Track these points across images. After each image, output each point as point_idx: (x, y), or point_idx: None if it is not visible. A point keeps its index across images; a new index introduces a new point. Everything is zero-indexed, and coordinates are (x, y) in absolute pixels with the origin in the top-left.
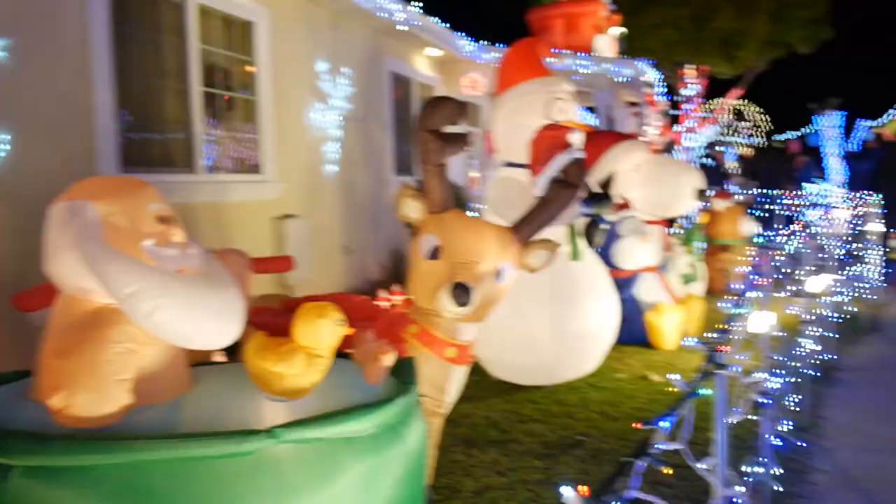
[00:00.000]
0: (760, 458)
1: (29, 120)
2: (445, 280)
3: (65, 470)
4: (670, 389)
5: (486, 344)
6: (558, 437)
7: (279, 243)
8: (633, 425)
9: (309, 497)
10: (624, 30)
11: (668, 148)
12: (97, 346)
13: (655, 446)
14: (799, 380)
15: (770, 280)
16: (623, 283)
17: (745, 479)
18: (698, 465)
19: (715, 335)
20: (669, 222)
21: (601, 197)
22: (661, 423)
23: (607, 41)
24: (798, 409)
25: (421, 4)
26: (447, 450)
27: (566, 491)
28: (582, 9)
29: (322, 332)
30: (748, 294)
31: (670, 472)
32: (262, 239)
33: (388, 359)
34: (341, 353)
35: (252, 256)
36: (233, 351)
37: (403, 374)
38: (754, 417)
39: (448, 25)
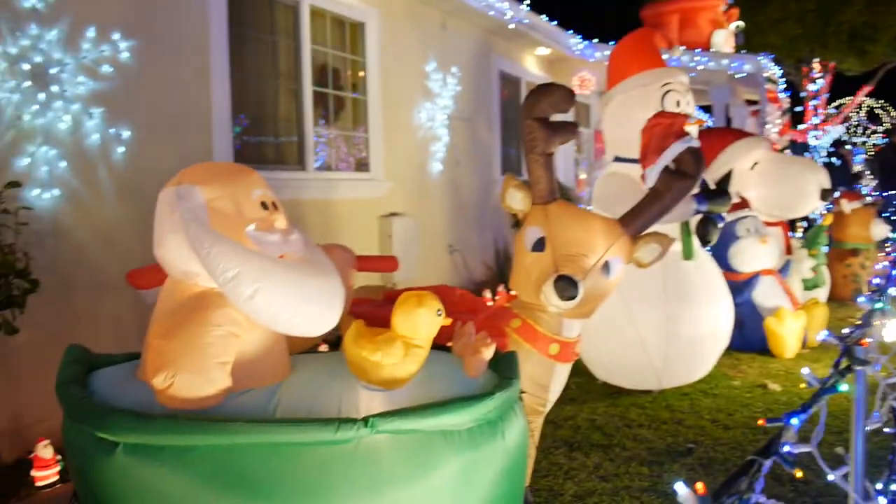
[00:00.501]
0: None
1: (151, 119)
2: (550, 272)
3: (164, 449)
4: (798, 393)
5: (591, 344)
6: (666, 443)
7: (385, 241)
8: (759, 422)
9: (404, 489)
10: (741, 24)
11: (792, 147)
12: (199, 328)
13: (783, 446)
14: None
15: None
16: (740, 286)
17: (882, 495)
18: (831, 472)
19: (850, 331)
20: (791, 224)
21: (717, 193)
22: (791, 421)
23: (725, 36)
24: None
25: (529, 2)
26: (548, 452)
27: (681, 488)
28: (698, 3)
29: (420, 321)
30: (890, 291)
31: (800, 474)
32: (368, 236)
33: (488, 352)
34: (442, 346)
35: (357, 254)
36: (337, 344)
37: (504, 368)
38: (890, 430)
39: (557, 23)
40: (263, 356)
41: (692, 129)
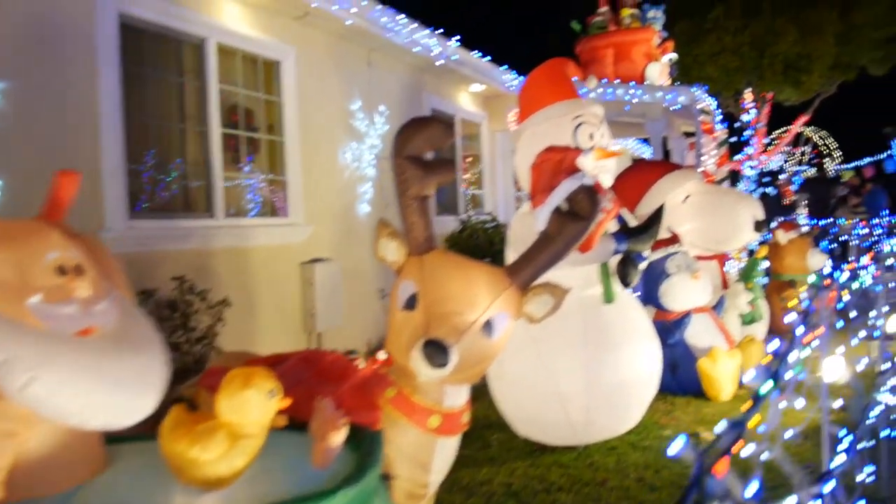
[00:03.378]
0: None
1: (28, 168)
2: (420, 335)
3: None
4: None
5: (507, 398)
6: None
7: (307, 289)
8: None
9: None
10: (675, 56)
11: (729, 178)
12: None
13: None
14: (875, 443)
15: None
16: (672, 325)
17: None
18: None
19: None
20: (724, 257)
21: (637, 231)
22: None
23: (659, 69)
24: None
25: (459, 39)
26: None
27: None
28: (633, 37)
29: (249, 405)
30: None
31: None
32: (288, 284)
33: (337, 437)
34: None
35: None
36: None
37: (365, 452)
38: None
39: (490, 59)
40: (57, 455)
41: (610, 162)
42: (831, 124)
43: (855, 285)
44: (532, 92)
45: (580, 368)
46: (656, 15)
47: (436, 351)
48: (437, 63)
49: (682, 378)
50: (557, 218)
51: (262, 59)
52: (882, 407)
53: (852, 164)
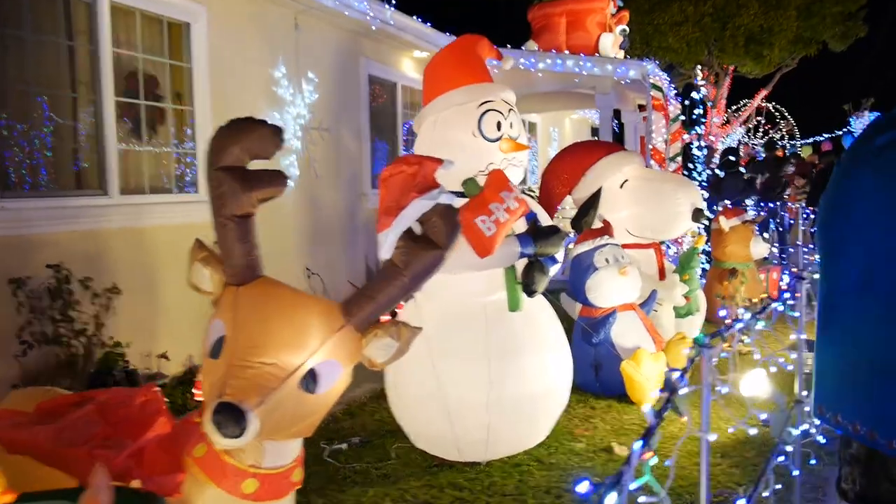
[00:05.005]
0: None
1: None
2: (216, 394)
3: None
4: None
5: (403, 412)
6: None
7: None
8: None
9: None
10: (626, 28)
11: (681, 154)
12: None
13: None
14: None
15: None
16: (598, 323)
17: None
18: None
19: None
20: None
21: (546, 233)
22: None
23: (613, 40)
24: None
25: (395, 3)
26: None
27: None
28: (587, 5)
29: None
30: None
31: None
32: None
33: None
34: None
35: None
36: None
37: None
38: None
39: (431, 25)
40: None
41: (521, 155)
42: (791, 100)
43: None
44: (437, 73)
45: (481, 381)
46: None
47: (227, 418)
48: (373, 28)
49: (604, 379)
50: (406, 245)
51: (168, 20)
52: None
53: (810, 140)
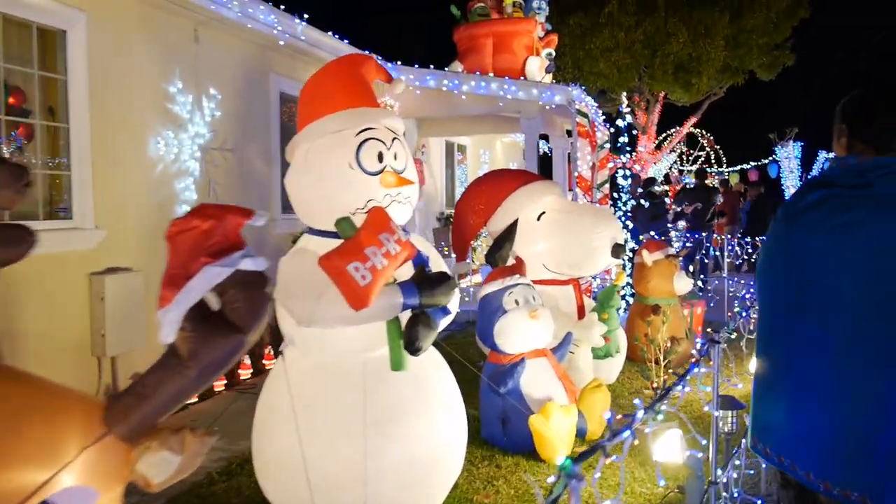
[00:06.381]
0: None
1: None
2: None
3: None
4: None
5: (271, 487)
6: None
7: (96, 305)
8: None
9: None
10: (552, 51)
11: (608, 182)
12: None
13: None
14: None
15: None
16: (505, 372)
17: None
18: None
19: None
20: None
21: (433, 281)
22: None
23: (539, 63)
24: None
25: (306, 18)
26: None
27: None
28: (514, 27)
29: None
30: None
31: None
32: (72, 300)
33: None
34: None
35: None
36: None
37: None
38: None
39: (349, 41)
40: None
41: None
42: (719, 127)
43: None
44: (312, 95)
45: (356, 454)
46: (541, 5)
47: None
48: (280, 43)
49: (513, 434)
50: (192, 327)
51: (39, 26)
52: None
53: (737, 168)
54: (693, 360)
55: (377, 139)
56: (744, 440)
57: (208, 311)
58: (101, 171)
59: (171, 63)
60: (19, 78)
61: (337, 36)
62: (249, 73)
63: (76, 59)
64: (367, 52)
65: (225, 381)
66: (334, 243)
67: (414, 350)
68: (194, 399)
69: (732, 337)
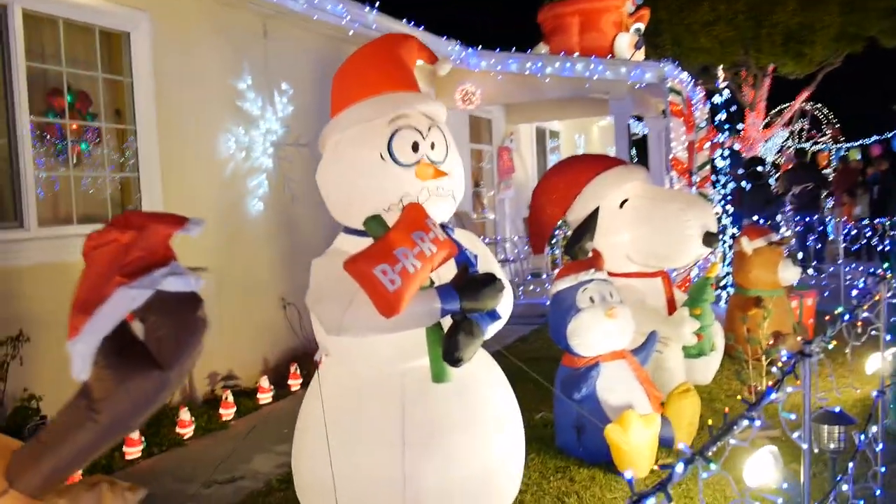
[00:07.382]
0: None
1: None
2: None
3: None
4: None
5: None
6: None
7: None
8: None
9: None
10: (641, 26)
11: (709, 164)
12: None
13: None
14: None
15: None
16: (580, 375)
17: None
18: None
19: None
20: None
21: (475, 284)
22: None
23: (629, 40)
24: None
25: (377, 6)
26: None
27: None
28: (602, 4)
29: None
30: None
31: None
32: None
33: None
34: None
35: None
36: None
37: None
38: None
39: (423, 28)
40: None
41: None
42: (836, 100)
43: None
44: (344, 81)
45: (396, 469)
46: None
47: None
48: (350, 33)
49: (589, 444)
50: (106, 363)
51: (101, 29)
52: None
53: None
54: (770, 382)
55: (411, 127)
56: (850, 464)
57: (126, 341)
58: (170, 172)
59: (240, 59)
60: (85, 82)
61: (412, 23)
62: (321, 66)
63: (141, 61)
64: (444, 38)
65: (301, 380)
66: (366, 242)
67: (454, 361)
68: (268, 399)
69: (830, 347)
